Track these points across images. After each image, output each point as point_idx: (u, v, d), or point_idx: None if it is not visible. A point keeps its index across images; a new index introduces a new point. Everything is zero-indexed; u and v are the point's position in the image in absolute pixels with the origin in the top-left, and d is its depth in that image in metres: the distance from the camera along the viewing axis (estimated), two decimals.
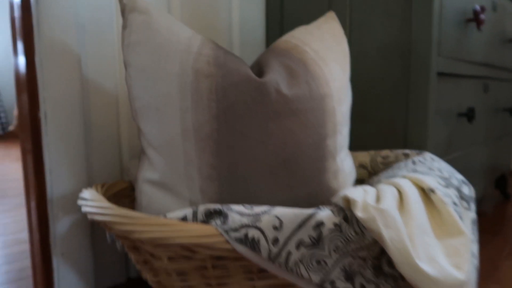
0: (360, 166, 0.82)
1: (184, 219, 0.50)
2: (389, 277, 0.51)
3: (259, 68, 0.62)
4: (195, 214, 0.50)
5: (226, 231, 0.47)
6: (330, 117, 0.59)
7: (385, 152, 0.79)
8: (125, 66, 0.58)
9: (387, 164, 0.78)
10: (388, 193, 0.51)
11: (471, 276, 0.49)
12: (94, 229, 0.76)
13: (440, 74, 0.86)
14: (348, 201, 0.49)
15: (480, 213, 1.33)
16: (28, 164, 0.75)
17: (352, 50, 0.90)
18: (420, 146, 0.82)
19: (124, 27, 0.59)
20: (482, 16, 0.93)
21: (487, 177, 1.23)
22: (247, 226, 0.47)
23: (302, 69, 0.59)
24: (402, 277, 0.50)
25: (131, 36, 0.57)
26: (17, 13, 0.70)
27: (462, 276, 0.46)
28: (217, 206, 0.49)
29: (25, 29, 0.68)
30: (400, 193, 0.54)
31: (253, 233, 0.47)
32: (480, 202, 1.47)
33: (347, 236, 0.48)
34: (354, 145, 0.92)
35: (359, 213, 0.46)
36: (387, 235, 0.45)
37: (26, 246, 1.09)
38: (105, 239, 0.78)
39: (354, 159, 0.83)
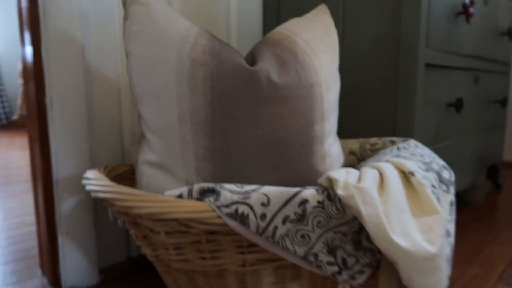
0: (350, 153, 0.86)
1: (180, 196, 0.54)
2: (367, 250, 0.55)
3: (252, 58, 0.65)
4: (190, 192, 0.54)
5: (218, 207, 0.51)
6: (318, 104, 0.63)
7: (374, 140, 0.83)
8: (126, 55, 0.62)
9: (375, 151, 0.82)
10: (369, 174, 0.55)
11: (443, 250, 0.53)
12: (97, 210, 0.81)
13: (429, 65, 0.89)
14: (331, 181, 0.53)
15: (471, 202, 1.37)
16: (35, 151, 0.79)
17: (345, 42, 0.93)
18: (408, 134, 0.86)
19: (125, 18, 0.62)
20: (471, 10, 0.96)
21: (477, 166, 1.27)
22: (237, 202, 0.51)
23: (292, 59, 0.63)
24: (379, 251, 0.55)
25: (132, 26, 0.61)
26: (24, 4, 0.74)
27: (433, 250, 0.50)
28: (210, 185, 0.53)
29: (32, 20, 0.71)
30: (381, 175, 0.58)
31: (243, 208, 0.51)
32: (472, 192, 1.51)
33: (329, 212, 0.52)
34: (346, 133, 0.96)
35: (340, 191, 0.50)
36: (365, 211, 0.49)
37: (31, 228, 1.14)
38: (107, 220, 0.82)
39: (345, 146, 0.87)
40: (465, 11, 0.96)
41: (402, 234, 0.50)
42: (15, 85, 3.84)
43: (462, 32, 1.02)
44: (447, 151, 1.04)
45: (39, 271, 0.86)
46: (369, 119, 0.92)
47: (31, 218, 1.24)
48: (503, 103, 1.34)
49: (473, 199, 1.41)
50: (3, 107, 3.70)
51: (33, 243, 1.03)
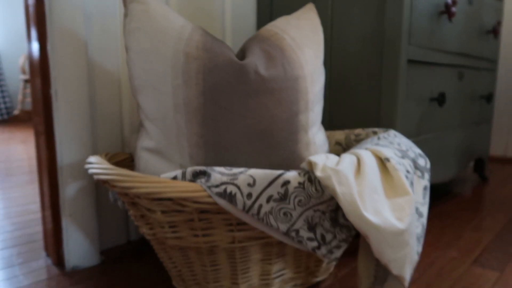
0: (336, 144, 0.92)
1: (175, 178, 0.60)
2: (344, 227, 0.60)
3: (242, 53, 0.71)
4: (184, 175, 0.60)
5: (209, 187, 0.57)
6: (303, 96, 0.69)
7: (358, 131, 0.89)
8: (126, 49, 0.67)
9: (359, 141, 0.87)
10: (347, 159, 0.60)
11: (412, 228, 0.58)
12: (99, 195, 0.86)
13: (411, 61, 0.95)
14: (311, 164, 0.58)
15: (458, 193, 1.43)
16: (40, 144, 0.84)
17: (334, 40, 0.99)
18: (391, 126, 0.92)
19: (125, 15, 0.68)
20: (454, 9, 1.01)
21: (462, 159, 1.32)
22: (226, 183, 0.57)
23: (279, 54, 0.68)
24: (354, 228, 0.60)
25: (131, 23, 0.66)
26: (31, 1, 0.79)
27: (402, 226, 0.56)
28: (202, 168, 0.59)
29: (38, 17, 0.77)
30: (359, 160, 0.64)
31: (231, 188, 0.56)
32: (459, 184, 1.57)
33: (309, 192, 0.57)
34: (334, 125, 1.01)
35: (318, 172, 0.56)
36: (340, 190, 0.54)
37: (35, 216, 1.19)
38: (108, 205, 0.88)
39: (332, 137, 0.93)
40: (447, 10, 1.01)
41: (373, 211, 0.55)
42: (16, 80, 3.89)
43: (445, 30, 1.07)
44: (430, 143, 1.09)
45: (43, 253, 0.92)
46: (356, 112, 0.97)
47: (34, 206, 1.30)
48: (488, 99, 1.40)
49: (459, 190, 1.47)
50: (4, 102, 3.75)
51: (37, 229, 1.09)
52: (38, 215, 1.21)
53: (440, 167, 1.17)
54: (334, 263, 0.79)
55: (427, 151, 1.08)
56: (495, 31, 1.36)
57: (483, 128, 1.48)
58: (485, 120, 1.49)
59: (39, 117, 0.82)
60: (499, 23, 1.39)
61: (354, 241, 0.98)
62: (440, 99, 1.05)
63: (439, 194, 1.42)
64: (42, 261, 0.88)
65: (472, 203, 1.32)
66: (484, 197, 1.39)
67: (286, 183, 0.57)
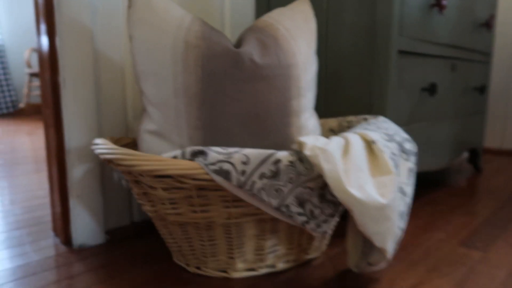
0: (329, 130, 0.96)
1: (175, 157, 0.65)
2: (331, 203, 0.65)
3: (239, 42, 0.75)
4: (183, 154, 0.64)
5: (206, 165, 0.61)
6: (295, 83, 0.73)
7: (350, 118, 0.93)
8: (130, 39, 0.72)
9: (351, 127, 0.92)
10: (334, 140, 0.65)
11: (394, 204, 0.63)
12: (104, 178, 0.91)
13: (403, 52, 0.99)
14: (301, 144, 0.63)
15: (452, 182, 1.47)
16: (50, 134, 0.89)
17: (329, 31, 1.03)
18: (382, 114, 0.96)
19: (129, 7, 0.72)
20: (444, 2, 1.05)
21: (455, 148, 1.36)
22: (222, 161, 0.61)
23: (273, 43, 0.73)
24: (340, 203, 0.65)
25: (134, 14, 0.71)
26: None
27: (384, 201, 0.60)
28: (200, 148, 0.64)
29: (47, 11, 0.81)
30: (347, 142, 0.68)
31: (226, 166, 0.61)
32: (454, 173, 1.61)
33: (299, 170, 0.62)
34: (328, 113, 1.05)
35: (307, 151, 0.60)
36: (326, 168, 0.59)
37: (43, 201, 1.25)
38: (113, 187, 0.93)
39: (326, 124, 0.97)
40: (438, 3, 1.05)
41: (358, 187, 0.60)
42: (21, 74, 3.95)
43: (436, 22, 1.11)
44: (421, 131, 1.14)
45: (51, 234, 0.97)
46: (349, 101, 1.01)
47: (41, 193, 1.35)
48: (481, 90, 1.44)
49: (453, 180, 1.51)
50: (10, 96, 3.81)
51: (45, 212, 1.14)
52: (45, 200, 1.26)
53: (432, 155, 1.21)
54: (326, 242, 0.84)
55: (418, 139, 1.13)
56: (488, 24, 1.39)
57: (476, 119, 1.52)
58: (478, 112, 1.53)
59: (49, 109, 0.87)
60: (492, 16, 1.43)
61: (345, 224, 1.03)
62: (431, 89, 1.09)
63: (433, 183, 1.47)
64: (50, 240, 0.93)
65: (464, 191, 1.36)
66: (476, 186, 1.43)
67: (278, 161, 0.62)
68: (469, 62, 1.37)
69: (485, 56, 1.48)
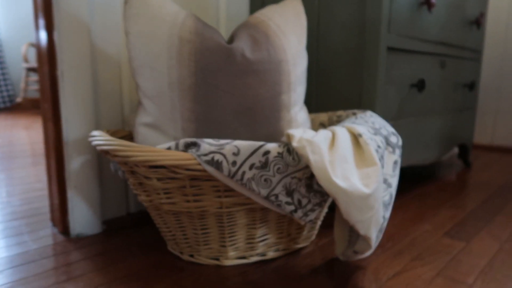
0: (320, 124, 0.99)
1: (169, 148, 0.67)
2: (317, 192, 0.68)
3: (232, 38, 0.78)
4: (177, 145, 0.67)
5: (199, 156, 0.64)
6: (285, 78, 0.76)
7: (340, 112, 0.96)
8: (126, 34, 0.74)
9: (340, 122, 0.95)
10: (322, 133, 0.68)
11: (378, 194, 0.66)
12: (101, 170, 0.94)
13: (391, 49, 1.02)
14: (289, 136, 0.66)
15: (441, 177, 1.50)
16: (48, 128, 0.92)
17: (320, 28, 1.06)
18: (371, 109, 0.99)
19: (125, 2, 0.75)
20: (433, 0, 1.08)
21: (444, 143, 1.40)
22: (214, 152, 0.64)
23: (264, 39, 0.75)
24: (326, 193, 0.68)
25: (130, 9, 0.73)
26: None
27: (368, 191, 0.63)
28: (193, 139, 0.66)
29: (46, 6, 0.84)
30: (334, 135, 0.71)
31: (218, 157, 0.64)
32: (443, 168, 1.65)
33: (287, 161, 0.65)
34: (319, 108, 1.08)
35: (294, 143, 0.63)
36: (313, 158, 0.62)
37: (41, 193, 1.27)
38: (110, 178, 0.95)
39: (316, 119, 1.00)
40: (427, 1, 1.08)
41: (342, 177, 0.63)
42: (18, 68, 3.95)
43: (426, 20, 1.14)
44: (410, 126, 1.17)
45: (49, 224, 1.00)
46: (339, 96, 1.04)
47: (39, 185, 1.38)
48: (471, 87, 1.47)
49: (442, 175, 1.54)
50: (7, 90, 3.82)
51: (43, 203, 1.17)
52: (43, 192, 1.29)
53: (420, 150, 1.25)
54: (315, 232, 0.87)
55: (407, 133, 1.16)
56: (478, 22, 1.42)
57: (466, 115, 1.55)
58: (468, 108, 1.56)
59: (47, 103, 0.89)
60: (482, 14, 1.46)
61: (334, 215, 1.06)
62: (420, 85, 1.12)
63: (423, 177, 1.50)
64: (48, 230, 0.96)
65: (453, 185, 1.39)
66: (465, 181, 1.47)
67: (267, 152, 0.65)
68: (458, 59, 1.40)
69: (475, 53, 1.51)
